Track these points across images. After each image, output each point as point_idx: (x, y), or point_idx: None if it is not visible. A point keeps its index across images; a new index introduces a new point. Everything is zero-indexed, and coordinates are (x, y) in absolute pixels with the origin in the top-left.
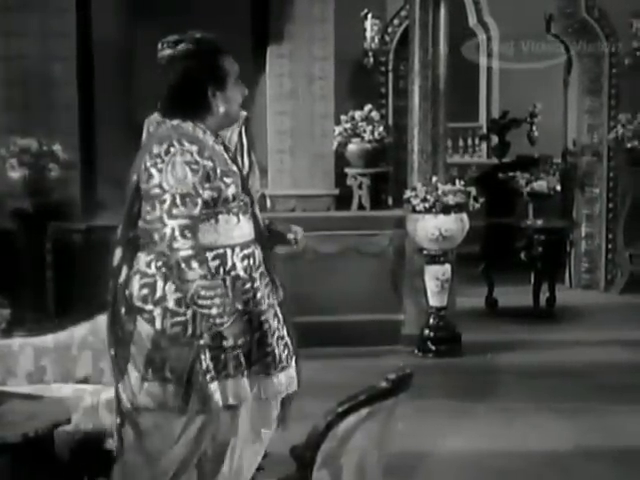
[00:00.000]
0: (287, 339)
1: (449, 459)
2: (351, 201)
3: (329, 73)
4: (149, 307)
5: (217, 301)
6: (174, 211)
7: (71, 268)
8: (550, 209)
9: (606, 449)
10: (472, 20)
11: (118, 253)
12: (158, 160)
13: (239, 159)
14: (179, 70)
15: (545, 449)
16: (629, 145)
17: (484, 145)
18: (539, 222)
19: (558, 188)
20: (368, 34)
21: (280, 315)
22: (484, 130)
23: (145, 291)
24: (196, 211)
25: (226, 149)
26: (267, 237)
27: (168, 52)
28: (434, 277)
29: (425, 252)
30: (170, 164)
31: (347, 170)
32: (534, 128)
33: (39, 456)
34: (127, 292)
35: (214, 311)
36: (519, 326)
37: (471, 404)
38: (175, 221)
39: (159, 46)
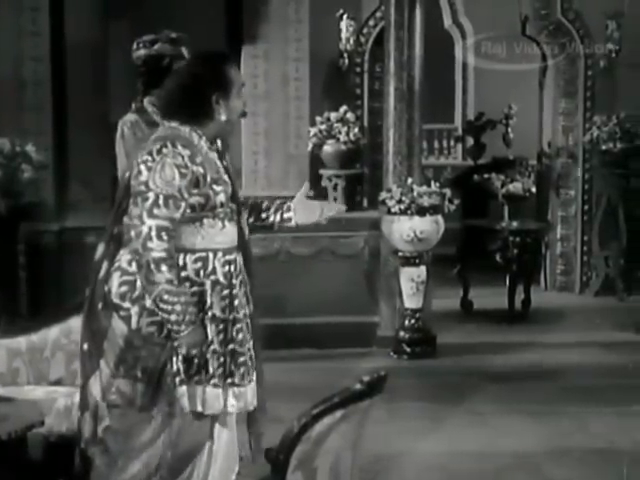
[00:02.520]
0: (252, 352)
1: (421, 461)
2: None
3: (304, 74)
4: (127, 305)
5: (178, 308)
6: (155, 211)
7: (44, 270)
8: (525, 211)
9: (577, 451)
10: (447, 21)
11: (101, 248)
12: (149, 158)
13: None
14: (186, 74)
15: (516, 451)
16: (604, 147)
17: (459, 147)
18: (514, 224)
19: (533, 190)
20: (343, 35)
21: (249, 327)
22: (459, 132)
23: (124, 288)
24: (177, 214)
25: (221, 157)
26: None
27: (144, 52)
28: (409, 279)
29: (400, 254)
30: (160, 164)
31: (322, 171)
32: (509, 130)
33: (12, 459)
34: (106, 288)
35: (173, 317)
36: (494, 328)
37: (444, 406)
38: (154, 221)
39: (134, 46)
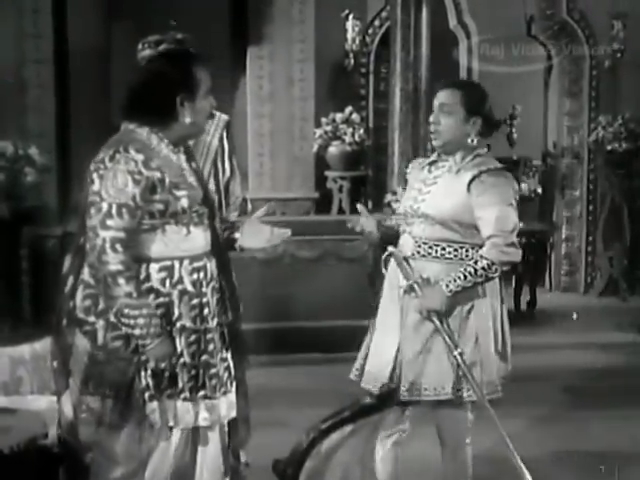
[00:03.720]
0: (229, 362)
1: (421, 467)
2: (331, 204)
3: (309, 75)
4: (91, 319)
5: (140, 321)
6: (108, 222)
7: (47, 274)
8: (529, 211)
9: (577, 455)
10: (452, 21)
11: (67, 261)
12: (101, 166)
13: (219, 164)
14: (149, 72)
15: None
16: (609, 147)
17: None
18: (520, 225)
19: (539, 191)
20: (349, 35)
21: (226, 336)
22: None
23: (88, 302)
24: (133, 224)
25: (189, 159)
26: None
27: (149, 52)
28: None
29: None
30: (112, 171)
31: (327, 173)
32: (513, 130)
33: (15, 473)
34: (71, 303)
35: (136, 332)
36: None
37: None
38: (107, 232)
39: (139, 46)
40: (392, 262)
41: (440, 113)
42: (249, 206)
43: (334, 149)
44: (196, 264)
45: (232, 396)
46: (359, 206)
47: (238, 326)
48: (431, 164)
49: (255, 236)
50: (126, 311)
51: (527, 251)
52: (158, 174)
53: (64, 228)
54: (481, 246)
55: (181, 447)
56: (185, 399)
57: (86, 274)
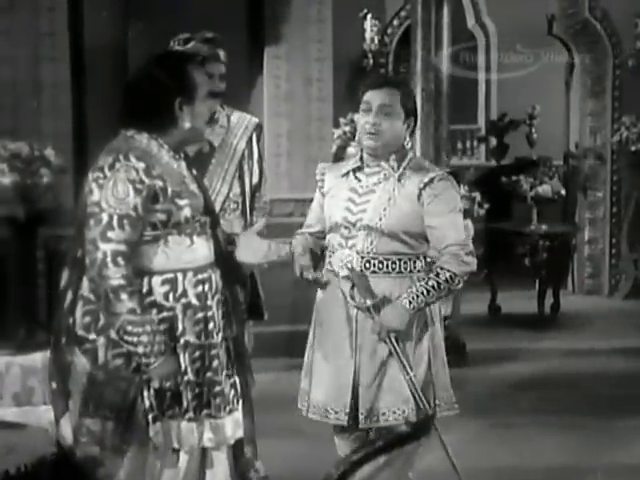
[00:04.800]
0: (235, 378)
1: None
2: None
3: (327, 75)
4: (92, 336)
5: (144, 339)
6: (109, 234)
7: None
8: (552, 213)
9: (608, 467)
10: (470, 21)
11: (65, 275)
12: (100, 175)
13: (246, 167)
14: (145, 77)
15: (538, 466)
16: (633, 148)
17: (482, 147)
18: (543, 227)
19: (563, 192)
20: (367, 35)
21: (232, 351)
22: (482, 132)
23: (88, 319)
24: (135, 235)
25: (189, 165)
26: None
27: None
28: None
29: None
30: (112, 180)
31: None
32: (533, 130)
33: None
34: (70, 319)
35: (140, 349)
36: (523, 334)
37: (469, 419)
38: (108, 245)
39: (170, 44)
40: (334, 281)
41: (380, 114)
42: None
43: (353, 150)
44: (200, 276)
45: (238, 415)
46: (294, 243)
47: (242, 340)
48: (356, 170)
49: (251, 250)
50: (129, 328)
51: (551, 253)
52: (160, 182)
53: None
54: (425, 256)
55: (190, 473)
56: (190, 419)
57: (85, 289)
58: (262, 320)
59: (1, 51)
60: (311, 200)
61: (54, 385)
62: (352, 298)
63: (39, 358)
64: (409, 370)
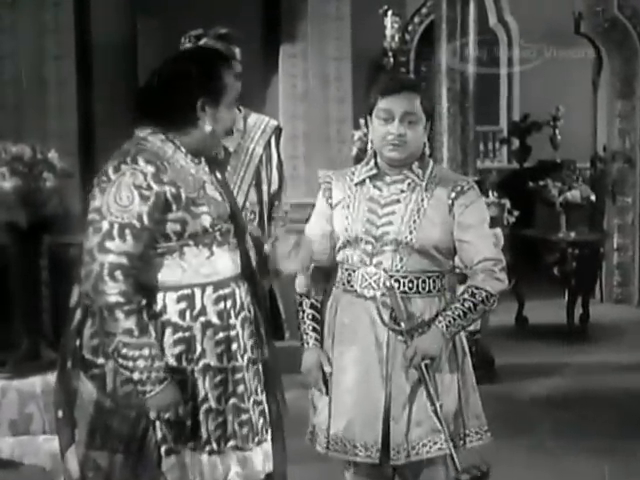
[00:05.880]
0: (265, 406)
1: None
2: None
3: (345, 74)
4: (100, 360)
5: (140, 365)
6: (108, 244)
7: (69, 286)
8: (579, 219)
9: None
10: (492, 19)
11: (75, 292)
12: (104, 178)
13: (264, 173)
14: (169, 71)
15: None
16: None
17: (504, 149)
18: (572, 234)
19: (592, 198)
20: (387, 32)
21: (262, 375)
22: (505, 134)
23: (96, 340)
24: (138, 248)
25: (212, 169)
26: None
27: (188, 47)
28: None
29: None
30: (115, 185)
31: None
32: (557, 132)
33: None
34: (77, 341)
35: (135, 376)
36: (553, 347)
37: (506, 441)
38: (106, 257)
39: (182, 39)
40: (357, 302)
41: (404, 123)
42: None
43: None
44: (222, 291)
45: (268, 446)
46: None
47: (274, 363)
48: (372, 178)
49: (291, 256)
50: (124, 351)
51: (580, 262)
52: (172, 189)
53: None
54: (446, 273)
55: None
56: (211, 452)
57: None
58: (282, 340)
59: (5, 48)
60: None
61: (60, 413)
62: (387, 321)
63: (38, 382)
64: (435, 400)
